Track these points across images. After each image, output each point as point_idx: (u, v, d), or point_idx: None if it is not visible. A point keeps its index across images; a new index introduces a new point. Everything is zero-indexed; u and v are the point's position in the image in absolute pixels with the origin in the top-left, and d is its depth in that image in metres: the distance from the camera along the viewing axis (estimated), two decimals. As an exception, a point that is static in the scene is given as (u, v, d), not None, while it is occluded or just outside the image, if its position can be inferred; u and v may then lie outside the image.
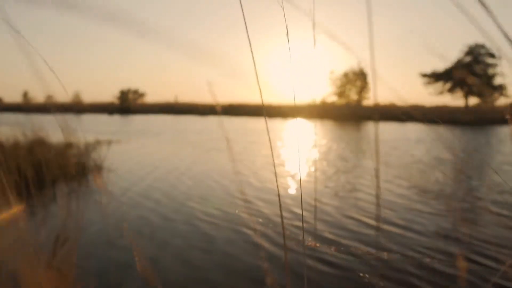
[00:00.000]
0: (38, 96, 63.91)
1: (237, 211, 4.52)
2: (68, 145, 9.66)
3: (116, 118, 31.86)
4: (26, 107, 48.00)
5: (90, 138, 12.56)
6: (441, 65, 48.55)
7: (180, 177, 6.77)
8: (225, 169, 7.64)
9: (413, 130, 20.54)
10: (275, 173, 7.32)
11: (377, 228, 3.98)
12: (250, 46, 0.81)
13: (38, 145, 7.29)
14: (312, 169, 7.83)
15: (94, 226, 3.97)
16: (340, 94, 43.71)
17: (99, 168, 7.36)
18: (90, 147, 9.54)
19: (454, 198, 5.42)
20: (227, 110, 40.60)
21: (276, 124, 25.93)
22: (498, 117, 29.32)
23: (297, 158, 9.75)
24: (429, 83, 49.51)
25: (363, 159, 9.42)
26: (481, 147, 12.68)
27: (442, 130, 19.52)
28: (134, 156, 9.50)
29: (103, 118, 32.24)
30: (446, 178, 6.94)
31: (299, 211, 4.59)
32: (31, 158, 6.16)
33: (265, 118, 0.89)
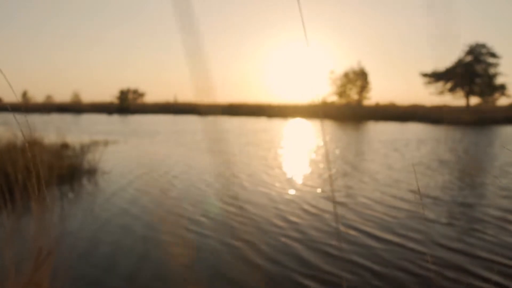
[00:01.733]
0: (38, 96, 63.81)
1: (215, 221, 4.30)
2: (63, 146, 9.48)
3: (115, 118, 31.70)
4: (25, 107, 47.82)
5: (87, 138, 12.39)
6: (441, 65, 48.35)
7: (166, 184, 6.59)
8: (213, 173, 7.45)
9: (413, 130, 20.36)
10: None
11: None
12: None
13: (31, 146, 7.08)
14: (313, 172, 7.65)
15: (75, 237, 3.81)
16: (341, 93, 43.48)
17: (92, 171, 7.17)
18: (85, 148, 9.35)
19: (455, 205, 5.24)
20: (227, 110, 40.44)
21: (276, 124, 25.73)
22: (500, 117, 29.09)
23: (306, 161, 9.57)
24: (429, 82, 49.30)
25: (364, 162, 9.25)
26: (484, 148, 12.49)
27: (444, 131, 19.28)
28: (129, 158, 9.32)
29: (102, 118, 32.08)
30: (448, 182, 6.76)
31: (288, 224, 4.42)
32: (21, 161, 5.98)
33: (225, 118, 0.74)
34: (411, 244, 3.52)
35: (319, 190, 5.86)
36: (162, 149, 11.23)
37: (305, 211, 4.65)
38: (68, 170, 6.65)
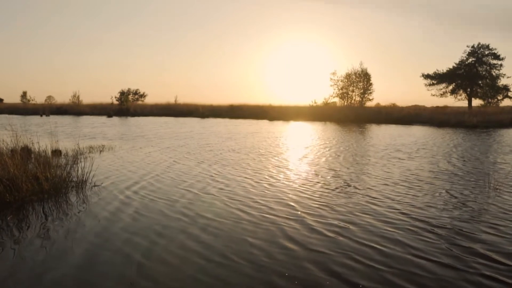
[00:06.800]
0: (38, 97, 63.52)
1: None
2: (54, 153, 9.06)
3: (115, 121, 31.34)
4: (23, 109, 47.50)
5: (82, 143, 12.02)
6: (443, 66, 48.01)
7: (139, 204, 6.20)
8: (188, 189, 7.04)
9: (418, 134, 19.91)
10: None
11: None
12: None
13: (16, 155, 6.62)
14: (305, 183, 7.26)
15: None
16: (342, 95, 43.05)
17: (82, 183, 6.72)
18: (78, 155, 8.94)
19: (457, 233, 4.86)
20: (228, 112, 40.11)
21: (274, 126, 25.28)
22: (505, 119, 28.57)
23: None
24: (431, 84, 48.80)
25: (362, 175, 8.86)
26: (497, 154, 12.07)
27: (450, 134, 18.75)
28: (122, 167, 8.90)
29: (101, 120, 31.73)
30: (450, 199, 6.37)
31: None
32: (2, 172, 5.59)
33: None
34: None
35: (302, 220, 4.86)
36: (151, 157, 10.81)
37: (282, 249, 3.88)
38: (55, 182, 6.23)
